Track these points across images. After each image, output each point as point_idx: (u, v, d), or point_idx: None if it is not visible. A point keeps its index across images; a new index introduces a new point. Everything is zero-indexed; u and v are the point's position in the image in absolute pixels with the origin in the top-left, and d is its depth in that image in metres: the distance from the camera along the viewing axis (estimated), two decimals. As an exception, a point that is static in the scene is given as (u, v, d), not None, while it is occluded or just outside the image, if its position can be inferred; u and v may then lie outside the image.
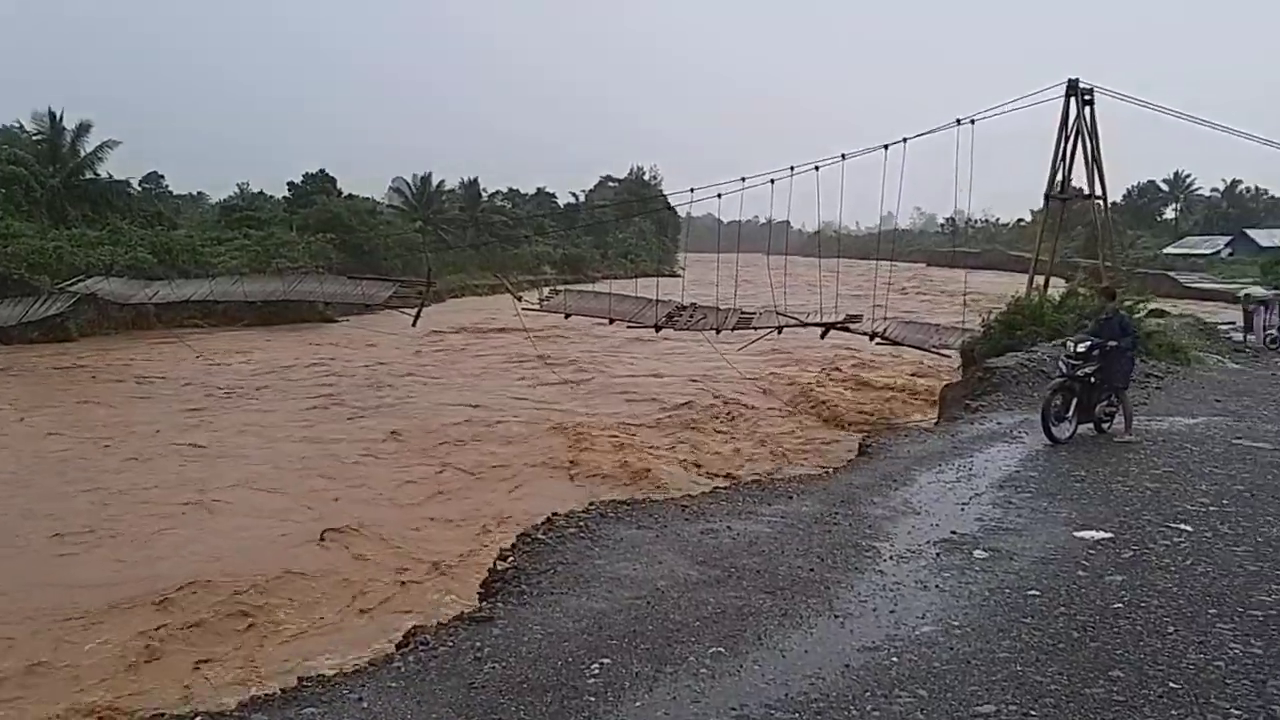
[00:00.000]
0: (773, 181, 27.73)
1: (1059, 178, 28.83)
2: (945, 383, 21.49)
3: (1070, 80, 27.63)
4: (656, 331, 28.78)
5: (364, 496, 10.52)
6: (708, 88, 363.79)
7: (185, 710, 5.45)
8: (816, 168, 27.40)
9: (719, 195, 28.95)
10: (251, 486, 11.37)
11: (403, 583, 8.09)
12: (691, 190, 30.02)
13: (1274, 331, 26.24)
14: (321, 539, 9.05)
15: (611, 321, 30.17)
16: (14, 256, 39.32)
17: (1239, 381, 18.42)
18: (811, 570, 7.33)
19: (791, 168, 27.61)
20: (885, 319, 27.84)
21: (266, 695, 5.56)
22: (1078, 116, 27.62)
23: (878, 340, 26.93)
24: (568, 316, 31.43)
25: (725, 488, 10.29)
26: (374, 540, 9.13)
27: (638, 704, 5.18)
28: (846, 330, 27.54)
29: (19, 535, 9.87)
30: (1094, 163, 28.03)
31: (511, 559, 7.80)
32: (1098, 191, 28.91)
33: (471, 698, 5.30)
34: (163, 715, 5.34)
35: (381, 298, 35.55)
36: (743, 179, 28.19)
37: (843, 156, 27.45)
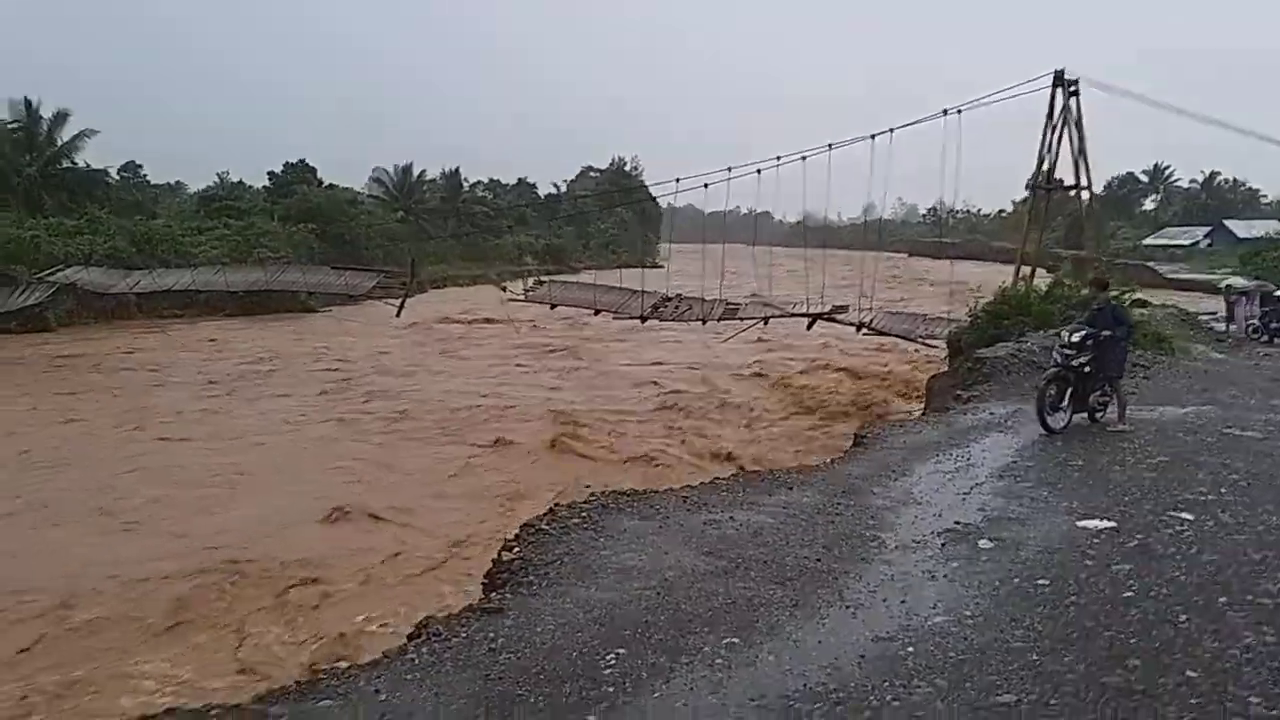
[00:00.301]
0: (759, 171, 27.73)
1: (1044, 168, 28.96)
2: (931, 373, 21.58)
3: (1056, 71, 27.73)
4: (642, 322, 28.76)
5: (385, 478, 10.50)
6: (710, 84, 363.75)
7: (224, 702, 5.41)
8: (803, 157, 27.43)
9: (705, 185, 28.88)
10: (279, 467, 11.32)
11: (432, 559, 8.09)
12: (677, 180, 29.85)
13: (1255, 321, 26.51)
14: (346, 515, 9.02)
15: (597, 312, 30.07)
16: (-11, 246, 38.89)
17: (1224, 371, 18.58)
18: (818, 560, 7.34)
19: (778, 157, 27.62)
20: (871, 309, 27.92)
21: (282, 688, 5.52)
22: (1064, 107, 27.74)
23: (864, 331, 27.01)
24: (553, 307, 31.31)
25: (725, 478, 10.29)
26: (398, 519, 9.11)
27: (656, 694, 5.17)
28: (833, 321, 27.62)
29: (68, 513, 9.79)
30: (1079, 154, 28.15)
31: (517, 550, 7.77)
32: (1083, 182, 29.05)
33: (489, 689, 5.27)
34: (175, 710, 5.28)
35: (365, 288, 35.27)
36: (729, 169, 28.16)
37: (829, 146, 27.48)
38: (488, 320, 35.96)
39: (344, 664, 5.82)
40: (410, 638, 6.26)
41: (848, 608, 6.38)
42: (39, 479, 11.21)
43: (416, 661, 5.70)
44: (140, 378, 18.65)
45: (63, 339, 30.90)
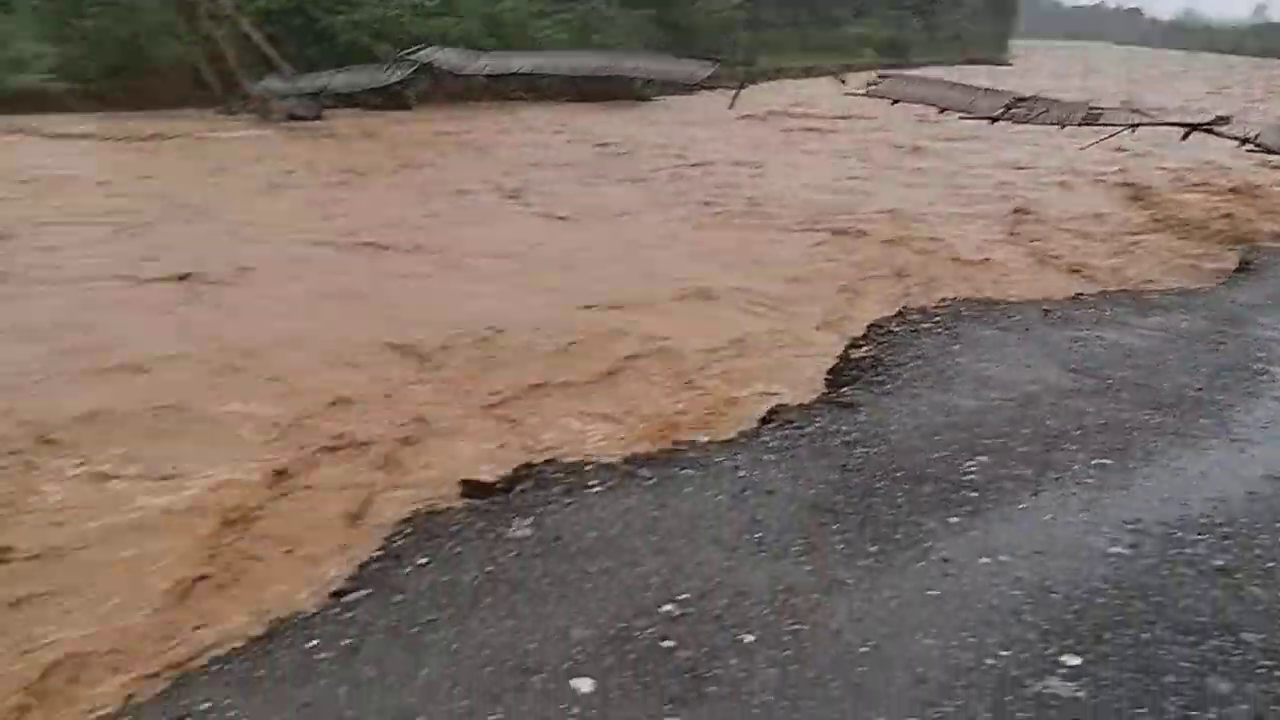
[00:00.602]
0: (1144, -41, 24.70)
1: None
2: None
3: None
4: (992, 124, 26.78)
5: (739, 262, 10.76)
6: None
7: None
8: (1200, -57, 24.14)
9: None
10: (646, 244, 11.85)
11: (780, 345, 8.23)
12: (1044, -32, 27.11)
13: None
14: (710, 295, 9.22)
15: (942, 111, 28.31)
16: (360, 24, 41.38)
17: None
18: (1199, 390, 6.77)
19: (1168, -57, 24.45)
20: (1259, 123, 24.68)
21: (646, 453, 5.81)
22: None
23: (1249, 147, 23.97)
24: (894, 103, 29.73)
25: (1091, 295, 9.64)
26: (750, 302, 9.27)
27: (1022, 505, 5.01)
28: (1211, 133, 24.63)
29: (478, 270, 10.69)
30: None
31: (866, 348, 7.71)
32: None
33: (846, 479, 5.30)
34: (554, 460, 5.70)
35: (700, 77, 34.88)
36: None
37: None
38: (826, 115, 34.94)
39: (703, 438, 6.03)
40: (763, 421, 6.39)
41: (1234, 441, 5.87)
42: (449, 238, 12.23)
43: (771, 444, 5.82)
44: (508, 155, 19.71)
45: (423, 117, 32.88)
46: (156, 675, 4.15)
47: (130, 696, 4.00)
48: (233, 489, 5.64)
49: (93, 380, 7.20)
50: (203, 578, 4.89)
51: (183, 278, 9.96)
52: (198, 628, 4.54)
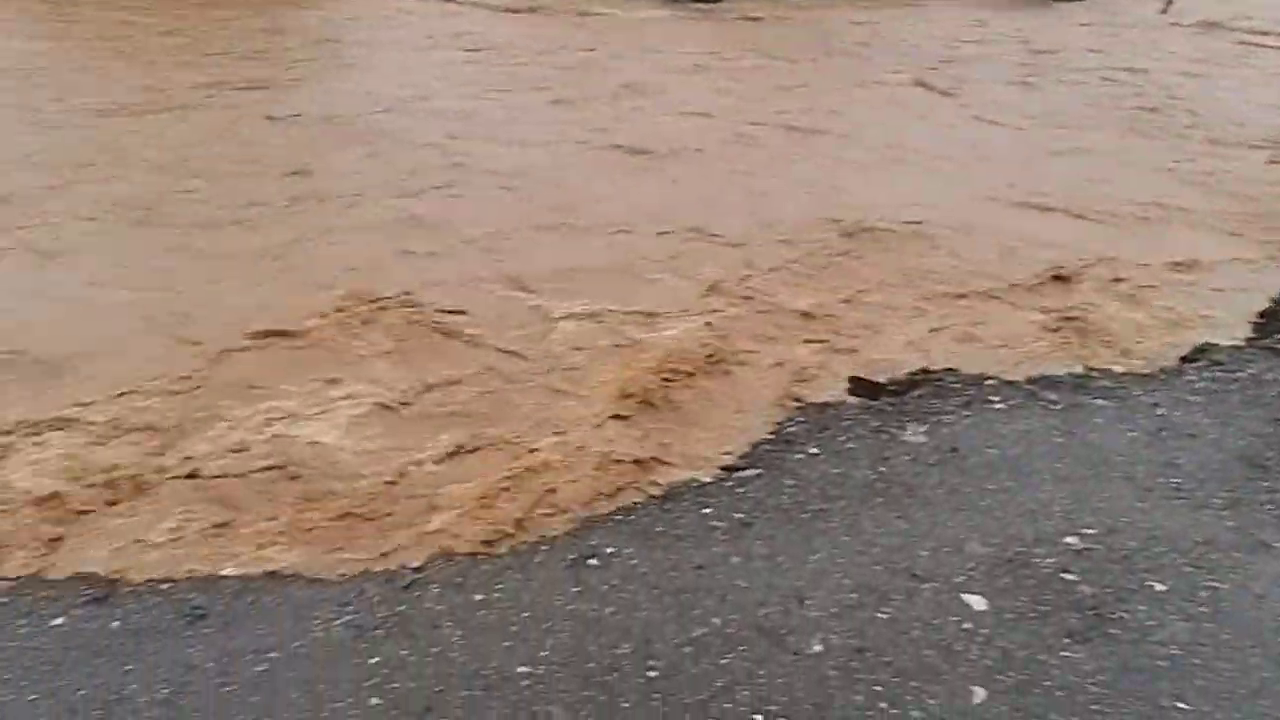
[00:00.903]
0: None
1: None
2: None
3: None
4: None
5: (1190, 173, 9.94)
6: None
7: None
8: None
9: None
10: (1104, 150, 11.24)
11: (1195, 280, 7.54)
12: None
13: None
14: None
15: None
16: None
17: None
18: None
19: None
20: None
21: (1052, 376, 5.53)
22: None
23: None
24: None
25: None
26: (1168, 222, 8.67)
27: None
28: None
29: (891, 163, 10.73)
30: None
31: (1309, 292, 6.91)
32: None
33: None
34: (955, 370, 5.54)
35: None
36: None
37: None
38: None
39: (1118, 368, 5.64)
40: (1185, 360, 5.90)
41: None
42: (881, 130, 12.09)
43: (1197, 385, 5.37)
44: (929, 49, 18.49)
45: (826, 4, 32.05)
46: (591, 501, 4.38)
47: (585, 503, 4.31)
48: (688, 344, 5.82)
49: (562, 237, 7.68)
50: (654, 427, 5.15)
51: (636, 152, 10.31)
52: (633, 471, 4.79)
